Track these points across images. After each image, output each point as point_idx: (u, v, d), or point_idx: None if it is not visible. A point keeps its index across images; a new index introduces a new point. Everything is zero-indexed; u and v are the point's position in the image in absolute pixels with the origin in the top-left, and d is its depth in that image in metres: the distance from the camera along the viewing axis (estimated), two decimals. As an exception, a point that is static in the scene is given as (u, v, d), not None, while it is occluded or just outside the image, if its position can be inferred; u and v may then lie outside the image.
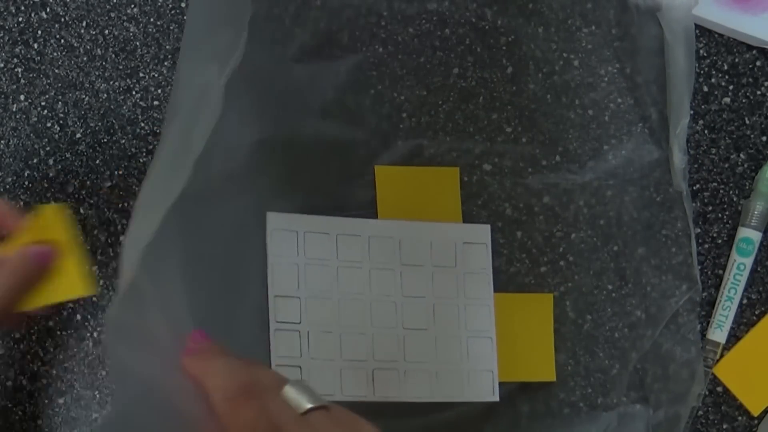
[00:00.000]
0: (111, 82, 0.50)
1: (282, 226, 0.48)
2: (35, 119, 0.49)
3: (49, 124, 0.49)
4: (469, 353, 0.48)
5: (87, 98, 0.49)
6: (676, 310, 0.48)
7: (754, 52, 0.49)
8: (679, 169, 0.48)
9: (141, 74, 0.50)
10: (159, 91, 0.49)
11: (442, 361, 0.48)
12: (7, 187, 0.50)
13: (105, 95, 0.50)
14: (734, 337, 0.48)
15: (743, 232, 0.48)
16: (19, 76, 0.50)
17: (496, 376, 0.48)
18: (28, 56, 0.50)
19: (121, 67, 0.50)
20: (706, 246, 0.49)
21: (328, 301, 0.47)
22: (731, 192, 0.49)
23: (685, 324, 0.48)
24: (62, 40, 0.49)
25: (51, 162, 0.49)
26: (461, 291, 0.48)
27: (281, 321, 0.47)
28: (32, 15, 0.49)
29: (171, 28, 0.49)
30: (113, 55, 0.49)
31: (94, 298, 0.49)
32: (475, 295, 0.48)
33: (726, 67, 0.49)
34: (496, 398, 0.47)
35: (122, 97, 0.49)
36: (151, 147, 0.49)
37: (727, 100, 0.49)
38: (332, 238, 0.48)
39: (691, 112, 0.49)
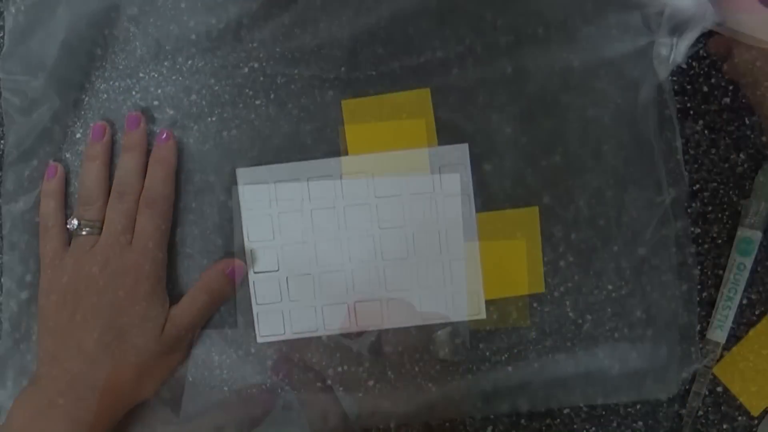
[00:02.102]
0: (111, 82, 0.50)
1: (252, 180, 0.48)
2: (35, 119, 0.49)
3: (49, 125, 0.49)
4: (452, 276, 0.48)
5: (87, 98, 0.49)
6: (676, 309, 0.48)
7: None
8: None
9: (141, 74, 0.50)
10: (159, 91, 0.49)
11: (425, 286, 0.48)
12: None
13: (105, 95, 0.50)
14: (734, 337, 0.49)
15: (743, 232, 0.48)
16: (19, 76, 0.50)
17: (482, 295, 0.48)
18: (28, 56, 0.50)
19: (121, 67, 0.50)
20: (706, 246, 0.49)
21: (304, 245, 0.48)
22: (731, 192, 0.49)
23: (684, 323, 0.48)
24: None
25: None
26: (441, 215, 0.48)
27: (259, 271, 0.48)
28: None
29: (171, 28, 0.49)
30: (113, 55, 0.49)
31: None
32: (455, 218, 0.48)
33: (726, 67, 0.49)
34: (483, 316, 0.48)
35: (122, 97, 0.50)
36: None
37: (727, 100, 0.49)
38: (303, 183, 0.48)
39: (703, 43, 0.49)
